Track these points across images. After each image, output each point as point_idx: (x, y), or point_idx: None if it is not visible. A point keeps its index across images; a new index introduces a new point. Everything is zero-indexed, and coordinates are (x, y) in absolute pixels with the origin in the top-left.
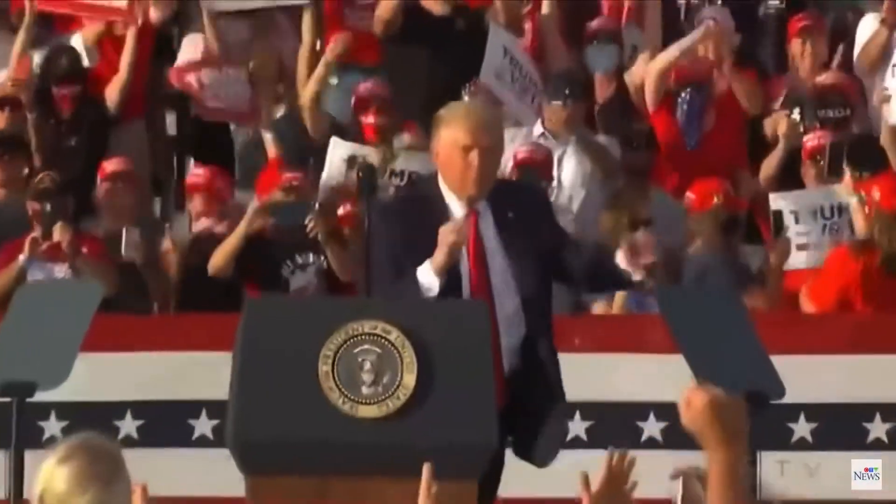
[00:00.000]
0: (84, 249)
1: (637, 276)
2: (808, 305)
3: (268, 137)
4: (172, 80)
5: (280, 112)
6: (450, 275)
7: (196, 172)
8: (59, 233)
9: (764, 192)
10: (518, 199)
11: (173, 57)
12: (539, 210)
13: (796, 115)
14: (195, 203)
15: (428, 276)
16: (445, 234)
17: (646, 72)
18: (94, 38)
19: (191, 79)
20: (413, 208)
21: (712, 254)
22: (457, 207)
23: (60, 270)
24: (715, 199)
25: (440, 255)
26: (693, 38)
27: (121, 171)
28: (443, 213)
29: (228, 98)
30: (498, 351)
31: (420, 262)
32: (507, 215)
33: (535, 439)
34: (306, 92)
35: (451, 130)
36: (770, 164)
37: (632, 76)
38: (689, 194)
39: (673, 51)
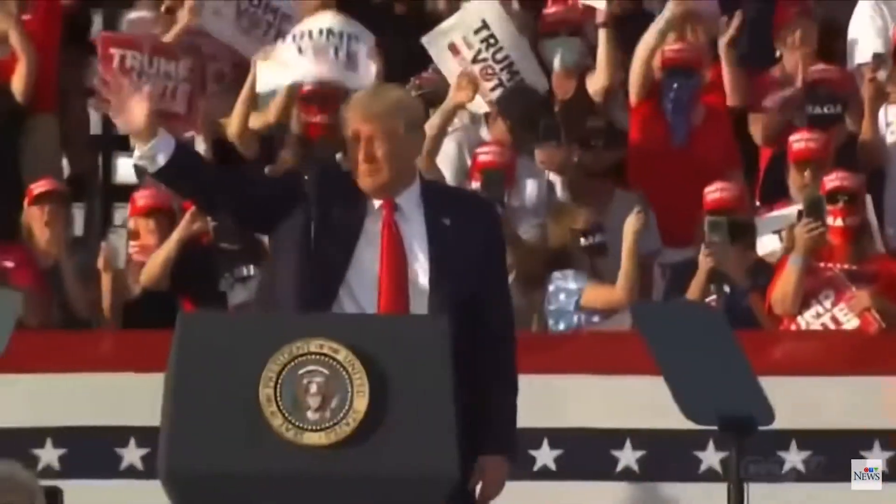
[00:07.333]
0: (9, 264)
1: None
2: None
3: (199, 141)
4: (98, 45)
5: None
6: (359, 263)
7: (143, 195)
8: None
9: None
10: (461, 211)
11: (92, 46)
12: (483, 231)
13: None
14: (140, 230)
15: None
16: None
17: (633, 61)
18: (2, 28)
19: (115, 53)
20: (345, 185)
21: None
22: (374, 198)
23: None
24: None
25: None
26: (665, 17)
27: (51, 193)
28: (361, 202)
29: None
30: None
31: (323, 237)
32: (443, 222)
33: None
34: (232, 128)
35: (345, 119)
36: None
37: (592, 89)
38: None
39: (651, 35)
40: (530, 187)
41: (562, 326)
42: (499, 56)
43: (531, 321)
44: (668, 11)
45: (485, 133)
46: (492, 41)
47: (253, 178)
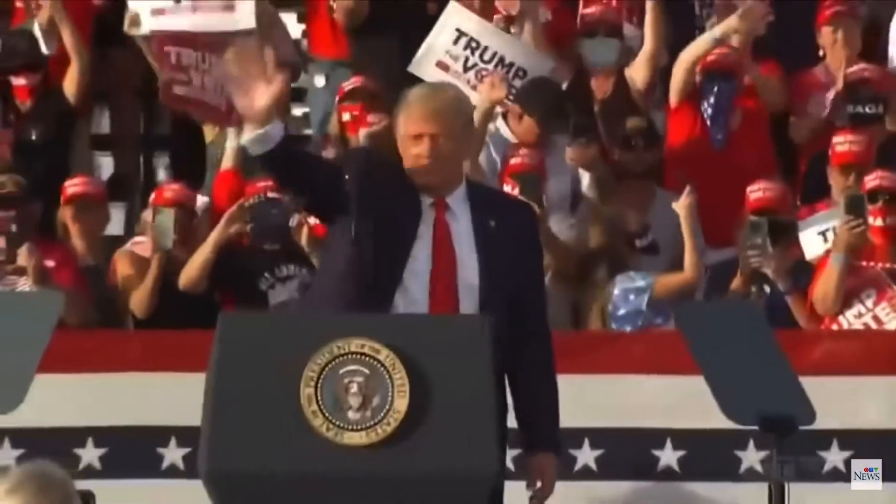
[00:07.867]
0: (50, 263)
1: None
2: None
3: (231, 145)
4: (152, 46)
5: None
6: (413, 260)
7: (170, 187)
8: (24, 258)
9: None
10: (504, 213)
11: (122, 43)
12: (525, 234)
13: None
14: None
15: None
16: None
17: (677, 62)
18: (48, 22)
19: (171, 51)
20: (395, 182)
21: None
22: (426, 196)
23: (25, 283)
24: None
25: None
26: (729, 23)
27: (87, 194)
28: (414, 199)
29: (205, 89)
30: None
31: (378, 234)
32: (489, 223)
33: None
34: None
35: (402, 118)
36: None
37: (636, 70)
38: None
39: (704, 40)
40: (556, 183)
41: (628, 329)
42: (486, 56)
43: (575, 321)
44: (732, 24)
45: (506, 132)
46: (474, 44)
47: (332, 169)
